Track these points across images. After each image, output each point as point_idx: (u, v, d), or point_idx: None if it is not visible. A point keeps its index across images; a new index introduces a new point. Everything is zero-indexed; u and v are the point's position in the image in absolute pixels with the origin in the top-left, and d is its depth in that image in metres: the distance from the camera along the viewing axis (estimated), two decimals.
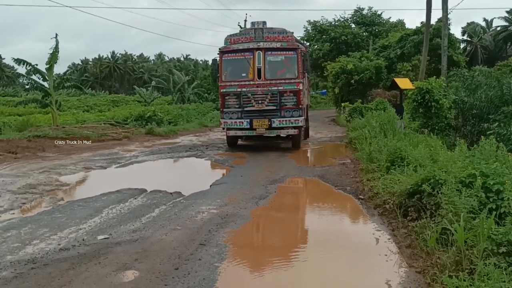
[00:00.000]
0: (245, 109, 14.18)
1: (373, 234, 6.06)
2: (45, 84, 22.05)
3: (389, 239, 5.80)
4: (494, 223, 4.54)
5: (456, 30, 77.43)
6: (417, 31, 32.53)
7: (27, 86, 37.34)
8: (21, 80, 69.04)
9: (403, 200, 6.47)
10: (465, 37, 60.84)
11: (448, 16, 24.87)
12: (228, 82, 14.46)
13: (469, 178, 5.60)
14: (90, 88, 65.61)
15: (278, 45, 14.31)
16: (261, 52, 14.23)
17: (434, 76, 14.34)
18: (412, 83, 17.65)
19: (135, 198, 8.29)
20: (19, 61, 21.12)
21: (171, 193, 8.66)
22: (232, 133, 14.68)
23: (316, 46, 40.67)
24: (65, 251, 5.51)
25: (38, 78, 21.81)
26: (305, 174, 10.63)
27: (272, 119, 14.00)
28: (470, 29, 61.80)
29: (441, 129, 12.55)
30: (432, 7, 24.52)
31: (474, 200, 5.10)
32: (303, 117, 14.38)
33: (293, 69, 14.39)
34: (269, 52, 14.30)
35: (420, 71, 24.58)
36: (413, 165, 7.60)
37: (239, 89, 14.24)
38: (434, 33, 28.80)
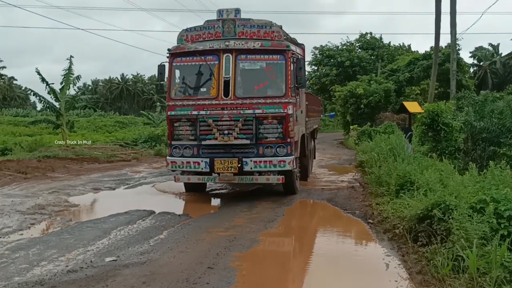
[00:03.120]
0: (203, 142, 9.56)
1: (383, 259, 5.98)
2: (56, 104, 22.35)
3: (399, 264, 5.72)
4: (507, 250, 4.47)
5: (465, 55, 77.82)
6: (426, 56, 32.68)
7: (38, 107, 37.86)
8: (32, 100, 70.02)
9: (413, 225, 6.40)
10: (474, 61, 60.97)
11: (457, 41, 24.96)
12: (179, 100, 9.88)
13: (480, 203, 5.55)
14: (100, 109, 66.24)
15: (257, 45, 9.60)
16: (230, 55, 9.63)
17: (444, 101, 14.30)
18: (421, 106, 17.64)
19: (144, 220, 8.29)
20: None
21: (179, 215, 8.66)
22: (184, 179, 10.07)
23: (324, 70, 40.91)
24: (73, 273, 5.49)
25: (51, 98, 22.15)
26: (314, 198, 10.58)
27: (244, 159, 9.42)
28: (480, 53, 61.93)
29: (450, 153, 12.48)
30: (441, 31, 24.66)
31: (485, 226, 5.05)
32: (292, 157, 9.57)
33: (279, 83, 9.72)
34: (243, 56, 9.71)
35: (429, 95, 24.56)
36: (423, 190, 7.54)
37: (195, 112, 9.57)
38: (443, 58, 28.87)
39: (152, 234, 7.31)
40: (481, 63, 61.11)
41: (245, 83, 9.93)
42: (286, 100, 9.51)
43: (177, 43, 10.13)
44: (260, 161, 9.48)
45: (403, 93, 31.56)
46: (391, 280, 5.24)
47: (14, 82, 77.55)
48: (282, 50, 9.69)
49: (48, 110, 23.97)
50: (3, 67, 68.99)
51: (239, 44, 9.68)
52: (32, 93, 22.85)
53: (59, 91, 21.88)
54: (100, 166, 16.72)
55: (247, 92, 9.77)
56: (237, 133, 9.45)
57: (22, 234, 7.44)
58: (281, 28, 10.06)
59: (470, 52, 63.73)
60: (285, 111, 9.44)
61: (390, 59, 39.94)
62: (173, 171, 10.28)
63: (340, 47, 42.23)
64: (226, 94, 9.54)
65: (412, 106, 21.14)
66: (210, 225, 7.82)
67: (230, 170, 9.46)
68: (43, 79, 21.50)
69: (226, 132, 9.47)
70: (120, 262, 5.89)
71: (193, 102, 9.74)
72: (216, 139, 9.50)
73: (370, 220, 8.06)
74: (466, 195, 6.04)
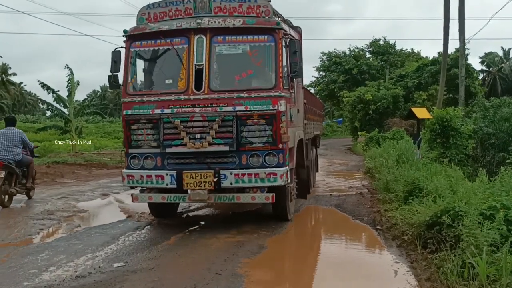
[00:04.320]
0: (169, 150, 7.50)
1: (391, 266, 5.95)
2: (65, 111, 22.58)
3: (408, 271, 5.68)
4: None
5: (473, 60, 77.56)
6: (434, 61, 32.65)
7: (47, 114, 38.26)
8: (41, 107, 70.62)
9: (422, 231, 6.35)
10: (483, 67, 60.70)
11: (466, 46, 24.89)
12: (138, 96, 7.80)
13: (490, 210, 5.51)
14: (108, 116, 66.63)
15: (238, 22, 7.52)
16: (204, 37, 7.54)
17: (453, 107, 14.22)
18: (430, 112, 17.58)
19: (152, 225, 8.30)
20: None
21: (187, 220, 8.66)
22: (144, 198, 7.87)
23: (331, 77, 40.89)
24: (81, 279, 5.51)
25: (60, 105, 22.39)
26: (322, 204, 10.55)
27: (222, 172, 7.33)
28: (489, 59, 61.65)
29: (460, 160, 12.41)
30: (450, 37, 24.59)
31: (495, 233, 5.01)
32: (286, 168, 7.45)
33: (267, 71, 7.73)
34: (220, 38, 7.59)
35: (438, 101, 24.48)
36: (432, 196, 7.50)
37: (157, 110, 7.53)
38: (451, 63, 28.80)
39: (160, 239, 7.32)
40: (490, 69, 60.83)
41: (223, 73, 7.97)
42: (277, 94, 7.38)
43: (137, 24, 7.96)
44: (243, 174, 7.31)
45: (411, 99, 31.51)
46: (399, 287, 5.20)
47: (24, 88, 78.27)
48: (270, 29, 7.51)
49: (56, 117, 24.25)
50: (13, 74, 69.65)
51: (215, 22, 7.56)
52: (40, 101, 23.30)
53: (66, 98, 22.12)
54: (108, 172, 16.81)
55: (226, 83, 7.80)
56: (213, 138, 7.32)
57: (31, 239, 7.50)
58: (270, 2, 7.79)
59: (480, 58, 63.54)
60: (275, 107, 7.32)
61: (400, 65, 39.84)
62: (131, 188, 8.15)
63: (347, 53, 42.18)
64: (199, 87, 7.44)
65: (421, 112, 21.11)
66: (218, 231, 7.81)
67: (204, 186, 7.30)
68: (48, 88, 21.75)
69: (198, 136, 7.36)
70: (128, 268, 5.90)
71: (156, 98, 7.61)
72: (185, 145, 7.38)
73: (378, 227, 8.01)
74: (476, 202, 6.00)
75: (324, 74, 42.68)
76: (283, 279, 5.97)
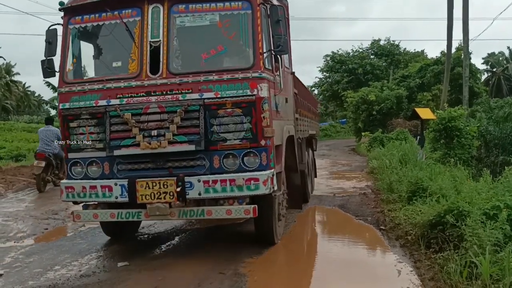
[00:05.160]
0: (117, 152, 5.93)
1: (394, 266, 5.95)
2: None
3: (411, 271, 5.68)
4: None
5: (477, 61, 77.38)
6: (437, 61, 32.60)
7: (51, 113, 38.34)
8: (45, 107, 70.84)
9: (426, 231, 6.35)
10: (487, 67, 60.52)
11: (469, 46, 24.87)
12: (78, 84, 6.17)
13: (493, 210, 5.51)
14: None
15: None
16: (160, 6, 6.03)
17: (458, 106, 14.19)
18: (434, 113, 17.57)
19: (156, 225, 8.33)
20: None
21: (192, 221, 8.68)
22: (87, 215, 6.11)
23: (335, 77, 40.84)
24: (85, 278, 5.55)
25: None
26: (325, 204, 10.55)
27: (187, 179, 5.79)
28: (494, 59, 61.47)
29: (464, 160, 12.39)
30: (453, 38, 24.61)
31: (498, 232, 5.01)
32: (271, 171, 5.89)
33: (242, 46, 6.25)
34: (182, 7, 6.04)
35: (441, 101, 24.47)
36: (435, 196, 7.50)
37: (102, 101, 5.97)
38: (454, 62, 28.76)
39: (164, 239, 7.35)
40: (494, 69, 60.65)
41: (186, 50, 6.22)
42: (256, 75, 5.77)
43: None
44: (215, 181, 5.67)
45: (414, 99, 31.48)
46: (403, 286, 5.20)
47: (29, 89, 78.54)
48: None
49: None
50: (17, 73, 69.87)
51: None
52: (44, 102, 23.62)
53: None
54: None
55: (190, 64, 6.13)
56: (174, 134, 5.72)
57: (36, 238, 7.54)
58: None
59: (483, 58, 63.38)
60: (255, 92, 5.72)
61: (404, 66, 39.76)
62: (75, 203, 6.40)
63: (351, 53, 42.13)
64: (155, 69, 5.86)
65: (424, 113, 21.07)
66: (222, 231, 7.83)
67: (164, 198, 5.69)
68: (53, 88, 22.01)
69: (155, 133, 5.75)
70: (132, 267, 5.93)
71: (100, 86, 5.98)
72: (138, 145, 5.75)
73: (382, 227, 8.01)
74: (480, 201, 6.00)
75: (327, 74, 42.66)
76: (286, 279, 5.98)
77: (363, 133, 29.72)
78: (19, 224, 8.41)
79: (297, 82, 9.21)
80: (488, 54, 63.50)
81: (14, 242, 7.32)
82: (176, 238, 7.43)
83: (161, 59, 5.87)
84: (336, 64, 41.24)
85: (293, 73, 8.39)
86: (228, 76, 5.77)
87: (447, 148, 12.92)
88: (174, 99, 5.78)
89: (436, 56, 34.11)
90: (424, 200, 7.70)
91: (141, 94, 5.84)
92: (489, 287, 4.36)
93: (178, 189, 5.66)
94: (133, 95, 5.86)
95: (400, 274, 5.63)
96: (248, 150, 5.78)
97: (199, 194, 5.72)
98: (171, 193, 5.69)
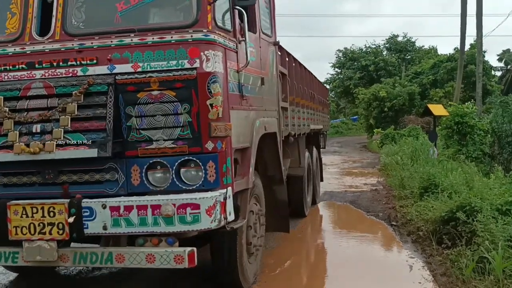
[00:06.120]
0: None
1: (406, 261, 5.94)
2: None
3: (423, 266, 5.67)
4: None
5: (492, 58, 76.38)
6: (450, 58, 32.32)
7: None
8: None
9: (437, 227, 6.34)
10: (501, 64, 59.80)
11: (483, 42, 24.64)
12: None
13: (506, 205, 5.48)
14: None
15: None
16: None
17: (470, 101, 14.08)
18: (446, 109, 17.46)
19: None
20: None
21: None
22: None
23: (347, 73, 40.66)
24: (97, 270, 5.61)
25: None
26: (336, 200, 10.54)
27: (85, 203, 3.63)
28: (507, 56, 60.69)
29: (476, 157, 12.30)
30: (466, 34, 24.40)
31: (511, 228, 4.98)
32: (221, 192, 3.68)
33: None
34: None
35: (454, 98, 24.26)
36: (447, 192, 7.46)
37: None
38: (468, 60, 28.51)
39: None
40: (508, 67, 59.92)
41: (92, 1, 4.05)
42: (200, 36, 3.72)
43: None
44: (129, 208, 3.60)
45: (427, 96, 31.27)
46: (414, 281, 5.20)
47: None
48: None
49: None
50: None
51: None
52: None
53: None
54: None
55: (97, 20, 4.04)
56: (66, 131, 3.71)
57: None
58: None
59: (498, 55, 62.60)
60: (196, 64, 3.66)
61: (418, 62, 39.44)
62: None
63: (364, 49, 41.87)
64: (44, 29, 3.91)
65: (437, 109, 20.88)
66: None
67: (50, 233, 3.71)
68: None
69: (37, 128, 3.75)
70: None
71: None
72: (11, 148, 3.73)
73: (393, 223, 7.99)
74: (492, 197, 5.97)
75: (339, 70, 42.48)
76: (296, 274, 5.97)
77: (374, 130, 29.60)
78: None
79: (288, 59, 7.02)
80: (503, 51, 62.72)
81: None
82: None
83: (53, 13, 3.88)
84: (348, 61, 41.05)
85: (277, 44, 5.79)
86: (155, 38, 3.71)
87: (459, 145, 12.84)
88: (70, 75, 3.77)
89: (449, 53, 33.80)
90: (436, 196, 7.66)
91: (20, 66, 3.83)
92: (501, 282, 4.33)
93: (71, 220, 3.63)
94: (7, 67, 3.85)
95: (412, 269, 5.63)
96: (186, 158, 3.69)
97: (104, 228, 3.62)
98: (60, 225, 3.67)
